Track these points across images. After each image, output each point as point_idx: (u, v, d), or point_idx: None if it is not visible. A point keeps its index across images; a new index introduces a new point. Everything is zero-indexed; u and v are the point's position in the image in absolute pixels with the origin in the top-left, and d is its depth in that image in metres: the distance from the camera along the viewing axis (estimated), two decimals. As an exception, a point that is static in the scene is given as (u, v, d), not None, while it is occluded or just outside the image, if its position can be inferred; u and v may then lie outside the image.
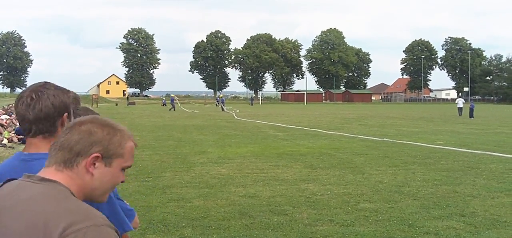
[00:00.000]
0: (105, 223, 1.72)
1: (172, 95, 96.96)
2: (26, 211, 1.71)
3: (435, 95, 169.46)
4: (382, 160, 16.94)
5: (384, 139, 24.16)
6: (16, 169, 2.44)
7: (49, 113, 2.42)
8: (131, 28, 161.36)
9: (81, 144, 1.86)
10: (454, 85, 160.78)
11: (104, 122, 1.95)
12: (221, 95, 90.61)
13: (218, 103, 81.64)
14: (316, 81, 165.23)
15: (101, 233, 1.67)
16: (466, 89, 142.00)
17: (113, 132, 1.93)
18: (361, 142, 23.23)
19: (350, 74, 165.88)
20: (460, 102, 53.61)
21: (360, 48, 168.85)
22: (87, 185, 1.89)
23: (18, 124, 24.66)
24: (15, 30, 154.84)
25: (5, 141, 20.65)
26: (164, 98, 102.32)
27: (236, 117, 49.26)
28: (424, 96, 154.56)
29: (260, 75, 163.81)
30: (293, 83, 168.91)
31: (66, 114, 2.51)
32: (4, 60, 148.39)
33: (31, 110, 2.39)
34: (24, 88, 2.54)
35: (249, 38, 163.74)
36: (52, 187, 1.79)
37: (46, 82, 2.50)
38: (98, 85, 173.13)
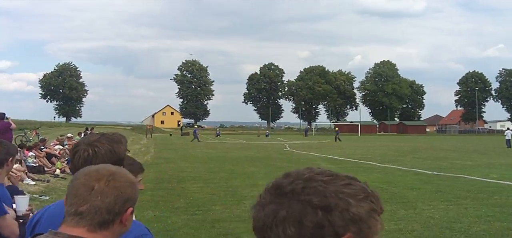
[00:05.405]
0: None
1: (195, 126, 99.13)
2: None
3: (490, 126, 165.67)
4: (435, 194, 16.69)
5: (436, 173, 23.72)
6: None
7: None
8: (186, 60, 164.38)
9: (118, 205, 1.92)
10: (509, 117, 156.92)
11: (123, 175, 2.01)
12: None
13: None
14: (370, 113, 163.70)
15: None
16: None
17: (133, 185, 2.01)
18: (414, 175, 22.91)
19: (404, 105, 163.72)
20: (509, 134, 53.25)
21: (414, 80, 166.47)
22: (118, 236, 1.99)
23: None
24: (72, 62, 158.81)
25: (57, 171, 20.93)
26: (218, 130, 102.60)
27: (288, 148, 49.22)
28: (478, 128, 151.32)
29: (314, 106, 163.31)
30: (347, 115, 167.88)
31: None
32: (60, 90, 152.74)
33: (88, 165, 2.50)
34: (81, 139, 2.65)
35: (302, 70, 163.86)
36: None
37: (102, 135, 2.65)
38: (153, 116, 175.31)
